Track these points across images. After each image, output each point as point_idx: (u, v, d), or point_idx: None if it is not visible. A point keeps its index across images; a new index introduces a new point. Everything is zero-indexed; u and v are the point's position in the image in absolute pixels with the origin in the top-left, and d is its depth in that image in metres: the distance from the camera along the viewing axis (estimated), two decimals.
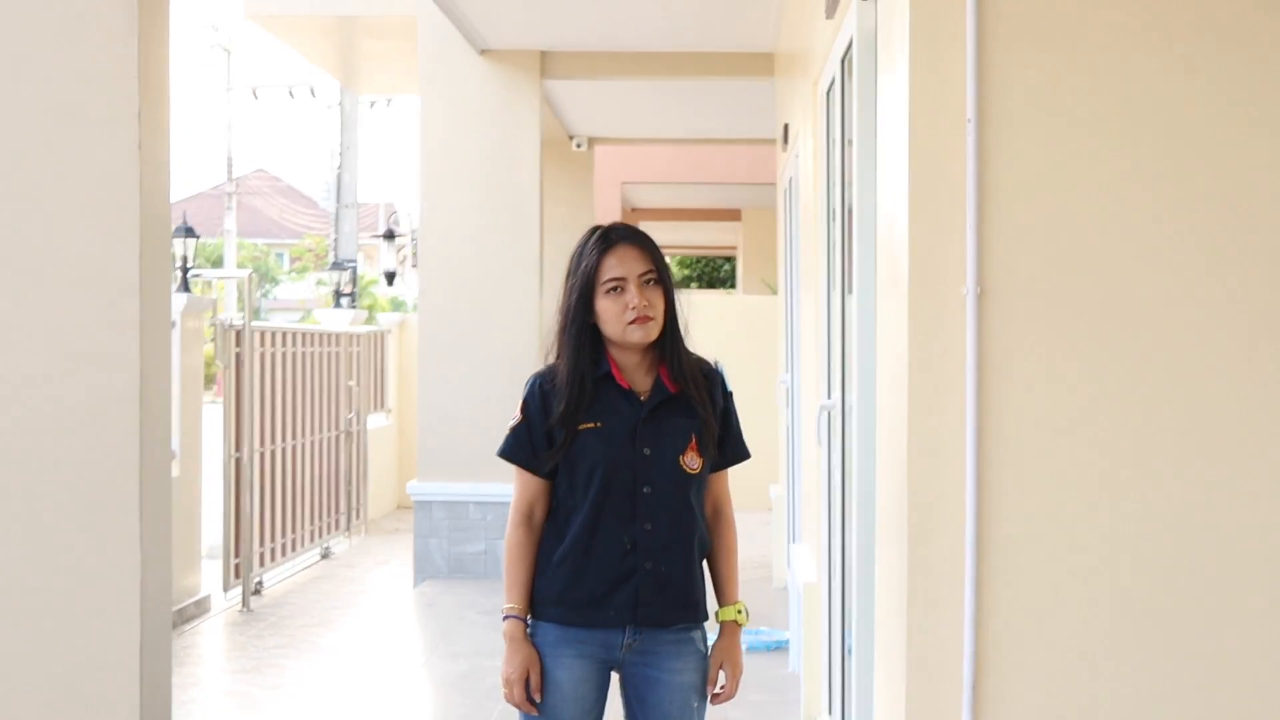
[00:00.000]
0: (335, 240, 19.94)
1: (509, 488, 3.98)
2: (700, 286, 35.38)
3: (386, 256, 18.14)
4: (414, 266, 12.45)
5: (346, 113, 20.51)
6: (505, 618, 3.87)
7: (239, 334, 11.25)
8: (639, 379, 3.89)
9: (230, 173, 42.65)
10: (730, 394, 4.01)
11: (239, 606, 10.93)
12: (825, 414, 6.18)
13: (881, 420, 4.27)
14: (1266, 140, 3.78)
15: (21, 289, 3.83)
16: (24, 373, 3.84)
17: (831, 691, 6.27)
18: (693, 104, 13.44)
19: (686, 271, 37.01)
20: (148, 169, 3.83)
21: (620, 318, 3.79)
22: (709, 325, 15.96)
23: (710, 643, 3.98)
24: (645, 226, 24.42)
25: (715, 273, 37.18)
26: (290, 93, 24.70)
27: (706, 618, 3.97)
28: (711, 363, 4.01)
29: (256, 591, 11.38)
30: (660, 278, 3.85)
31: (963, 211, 3.75)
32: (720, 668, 3.94)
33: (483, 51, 11.41)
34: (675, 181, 19.18)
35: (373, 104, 28.98)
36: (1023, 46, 3.78)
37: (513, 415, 3.92)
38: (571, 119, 14.38)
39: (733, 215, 22.82)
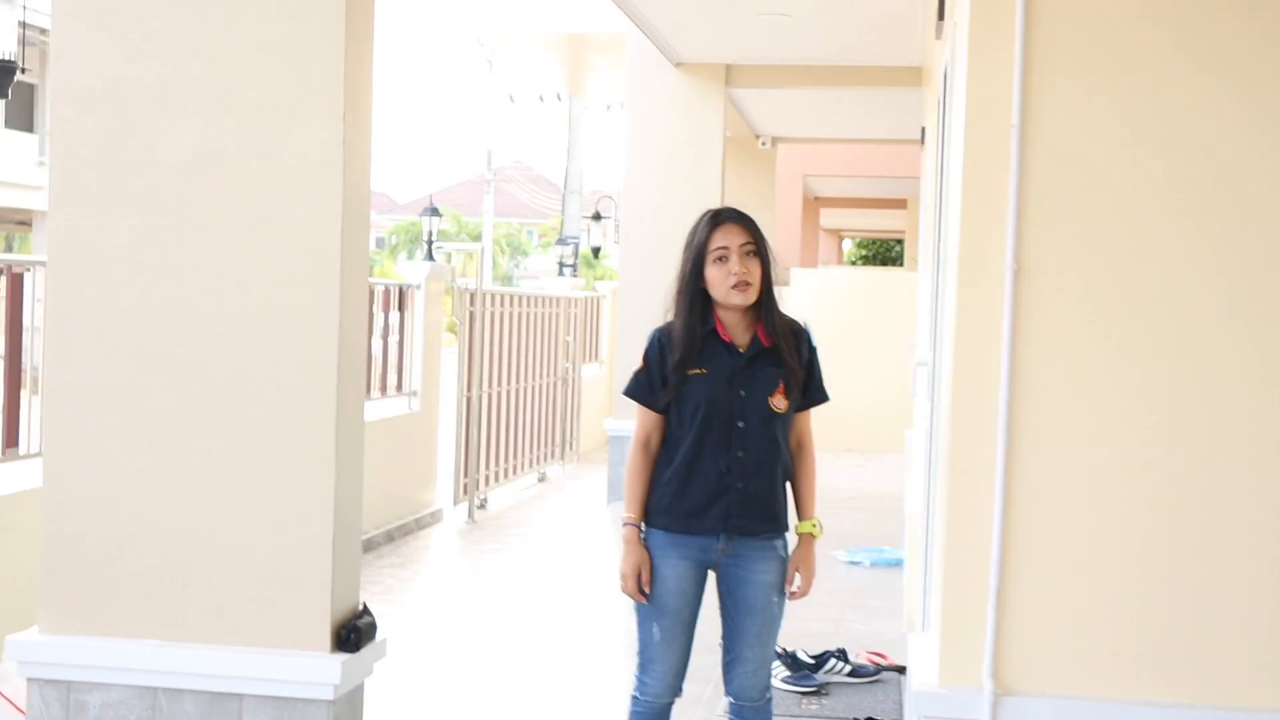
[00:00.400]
0: (562, 221, 20.38)
1: None
2: (873, 265, 35.12)
3: (595, 235, 18.49)
4: (616, 244, 12.70)
5: (574, 116, 20.93)
6: (624, 525, 4.09)
7: (472, 296, 11.61)
8: (739, 334, 4.04)
9: (489, 163, 43.50)
10: (815, 349, 4.16)
11: (466, 518, 11.33)
12: (923, 370, 6.26)
13: (942, 375, 4.38)
14: None
15: (248, 258, 4.09)
16: (245, 322, 4.08)
17: (924, 603, 6.36)
18: (860, 108, 13.44)
19: (862, 252, 36.77)
20: (350, 159, 4.06)
21: (724, 282, 3.96)
22: (877, 298, 16.03)
23: (790, 550, 4.14)
24: (824, 213, 24.36)
25: (888, 253, 36.90)
26: (540, 97, 25.22)
27: (787, 529, 4.13)
28: (801, 323, 4.17)
29: (481, 506, 11.80)
30: (758, 250, 4.01)
31: (1006, 202, 3.85)
32: (796, 570, 4.11)
33: (677, 64, 11.58)
34: (850, 175, 19.16)
35: (608, 107, 29.27)
36: (1063, 65, 3.85)
37: (637, 363, 4.12)
38: (757, 121, 14.49)
39: (900, 204, 22.72)
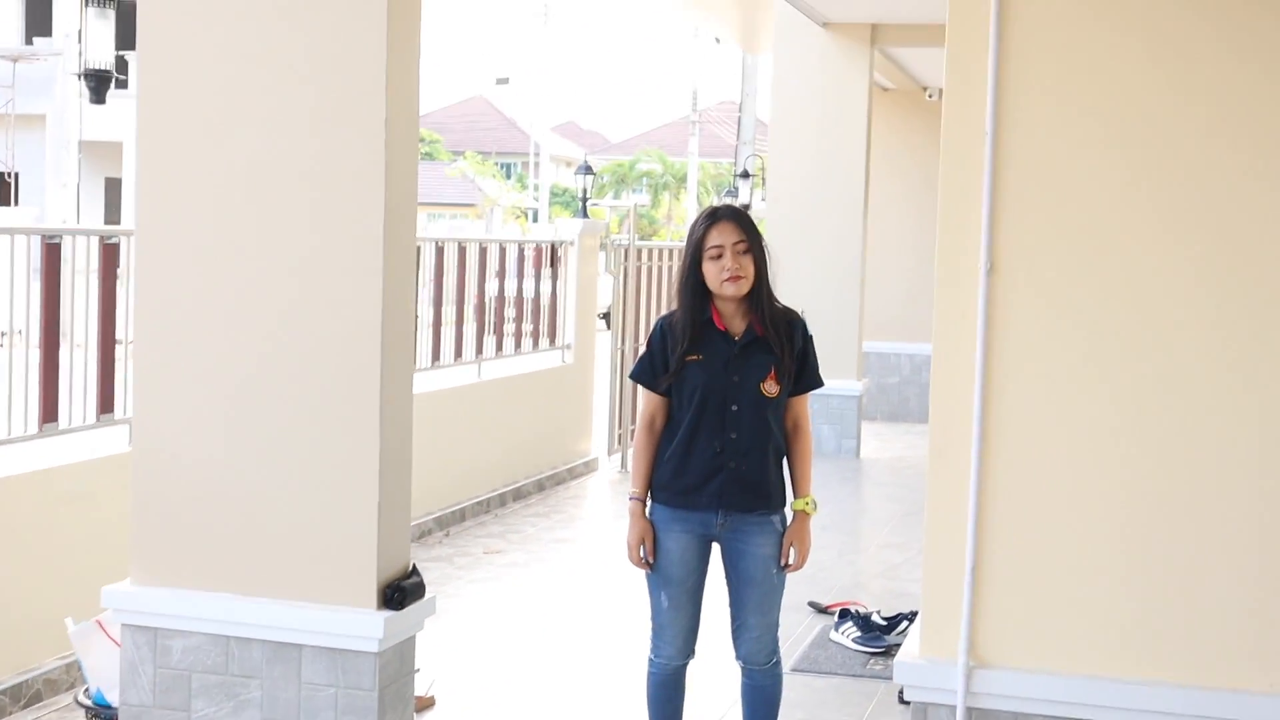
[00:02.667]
0: (733, 174, 20.72)
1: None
2: None
3: (743, 191, 18.64)
4: (763, 200, 12.86)
5: (748, 69, 21.12)
6: (630, 499, 4.46)
7: (625, 250, 11.99)
8: (735, 324, 4.36)
9: (695, 104, 43.80)
10: (810, 337, 4.46)
11: (619, 468, 11.74)
12: None
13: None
14: (1251, 148, 3.93)
15: (303, 249, 4.53)
16: (299, 304, 4.53)
17: None
18: None
19: None
20: (393, 162, 4.46)
21: (717, 276, 4.29)
22: None
23: (785, 520, 4.43)
24: None
25: None
26: (716, 39, 25.45)
27: (782, 506, 4.43)
28: (797, 313, 4.46)
29: None
30: (751, 247, 4.31)
31: (980, 204, 4.07)
32: (790, 545, 4.40)
33: (824, 24, 11.72)
34: None
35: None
36: (1035, 74, 4.04)
37: (643, 347, 4.51)
38: (920, 74, 14.47)
39: None
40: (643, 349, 4.51)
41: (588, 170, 12.88)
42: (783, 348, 4.34)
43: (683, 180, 45.49)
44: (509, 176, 55.66)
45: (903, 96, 14.97)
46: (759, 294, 4.35)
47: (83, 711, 5.05)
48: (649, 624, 4.53)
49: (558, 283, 11.40)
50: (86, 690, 4.99)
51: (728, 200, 18.44)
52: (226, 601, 4.60)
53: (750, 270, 4.31)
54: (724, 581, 4.46)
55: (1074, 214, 4.02)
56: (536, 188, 49.06)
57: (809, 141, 11.79)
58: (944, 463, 4.16)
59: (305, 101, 4.49)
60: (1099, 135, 4.01)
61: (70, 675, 5.56)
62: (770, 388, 4.33)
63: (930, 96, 15.23)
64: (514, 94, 62.16)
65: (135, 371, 4.75)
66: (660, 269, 12.85)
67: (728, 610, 4.48)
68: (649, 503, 4.46)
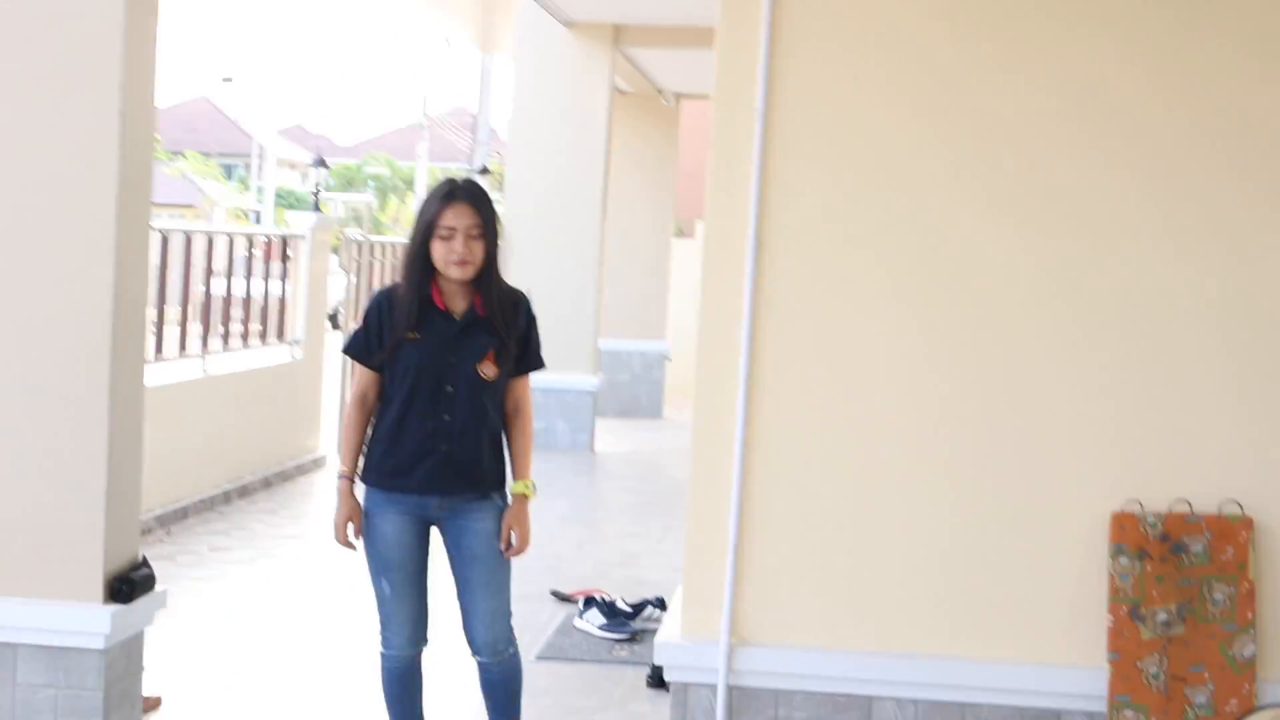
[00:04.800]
0: (469, 172, 20.52)
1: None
2: None
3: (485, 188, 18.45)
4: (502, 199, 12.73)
5: (485, 69, 20.95)
6: (338, 477, 4.24)
7: (359, 246, 11.67)
8: (456, 302, 4.14)
9: (424, 109, 43.28)
10: (534, 318, 4.28)
11: None
12: None
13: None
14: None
15: (27, 224, 4.16)
16: (23, 283, 4.16)
17: None
18: None
19: None
20: (129, 130, 4.13)
21: (445, 257, 4.06)
22: None
23: (506, 498, 4.23)
24: None
25: None
26: (447, 41, 25.22)
27: (502, 487, 4.23)
28: (522, 293, 4.27)
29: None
30: (484, 232, 4.09)
31: (749, 182, 4.00)
32: (510, 529, 4.19)
33: (567, 23, 11.63)
34: None
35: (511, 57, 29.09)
36: (806, 51, 3.98)
37: (358, 321, 4.23)
38: (659, 78, 14.51)
39: None
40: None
41: (321, 164, 12.44)
42: (506, 330, 4.16)
43: (410, 184, 44.94)
44: (230, 178, 54.01)
45: (640, 99, 15.02)
46: (485, 276, 4.14)
47: None
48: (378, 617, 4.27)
49: (287, 279, 11.01)
50: None
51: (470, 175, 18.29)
52: None
53: (480, 255, 4.10)
54: (449, 570, 4.24)
55: (840, 198, 4.00)
56: (260, 190, 47.70)
57: (550, 139, 11.68)
58: (707, 441, 4.08)
59: (36, 66, 4.12)
60: (874, 108, 3.99)
61: None
62: (488, 370, 4.13)
63: (666, 102, 15.34)
64: (238, 94, 60.35)
65: None
66: (395, 265, 12.54)
67: (456, 602, 4.25)
68: (360, 483, 4.21)
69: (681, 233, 17.75)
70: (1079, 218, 3.94)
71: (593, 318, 11.71)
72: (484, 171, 19.29)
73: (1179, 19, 3.91)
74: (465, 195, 4.11)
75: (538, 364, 4.29)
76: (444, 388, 4.10)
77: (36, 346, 4.15)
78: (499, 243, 4.16)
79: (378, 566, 4.18)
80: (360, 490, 4.21)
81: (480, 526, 4.16)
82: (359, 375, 4.23)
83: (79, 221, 4.11)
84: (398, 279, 4.20)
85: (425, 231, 4.09)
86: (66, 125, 4.11)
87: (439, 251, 4.07)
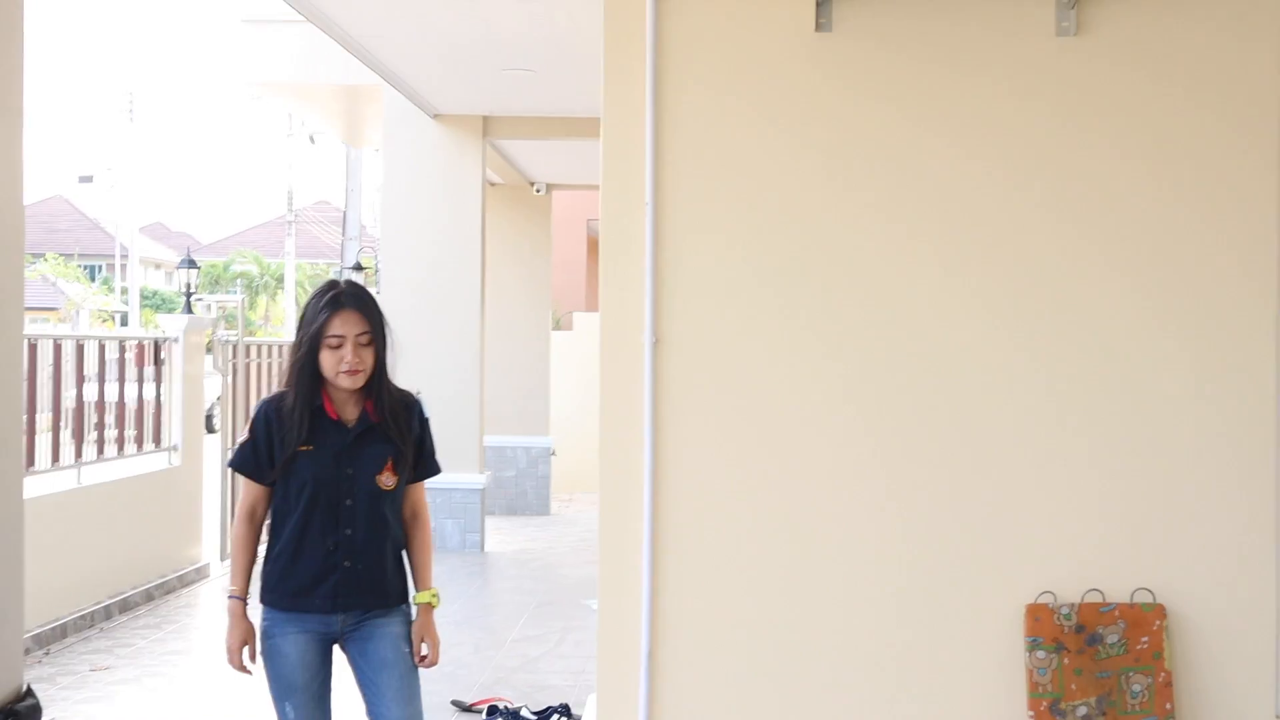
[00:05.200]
0: (341, 268, 20.36)
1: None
2: None
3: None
4: (378, 293, 12.56)
5: (351, 161, 20.83)
6: (229, 597, 4.05)
7: (234, 347, 11.45)
8: (348, 410, 4.02)
9: (290, 204, 42.99)
10: (426, 420, 4.16)
11: None
12: None
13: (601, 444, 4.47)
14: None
15: None
16: None
17: None
18: None
19: None
20: (1, 229, 3.97)
21: (335, 367, 3.94)
22: None
23: (410, 614, 4.10)
24: None
25: None
26: (311, 139, 25.15)
27: (405, 599, 4.10)
28: (413, 394, 4.17)
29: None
30: (373, 338, 3.99)
31: (644, 277, 3.98)
32: (421, 640, 4.07)
33: (435, 116, 11.62)
34: None
35: (377, 151, 29.11)
36: (689, 158, 3.99)
37: (244, 433, 4.07)
38: (528, 168, 14.55)
39: None
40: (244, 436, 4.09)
41: (191, 264, 12.23)
42: (402, 436, 4.03)
43: (280, 280, 44.47)
44: (93, 279, 52.99)
45: (512, 190, 15.03)
46: (377, 381, 4.03)
47: None
48: None
49: (161, 383, 10.76)
50: None
51: (350, 275, 18.07)
52: None
53: (370, 362, 3.98)
54: (354, 684, 4.07)
55: (731, 283, 3.99)
56: (125, 290, 46.83)
57: (423, 232, 11.61)
58: (615, 539, 4.01)
59: None
60: (752, 198, 4.00)
61: None
62: (387, 480, 4.00)
63: (538, 191, 15.36)
64: (96, 193, 59.34)
65: None
66: (271, 365, 12.35)
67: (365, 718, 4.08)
68: (255, 603, 4.04)
69: (560, 324, 17.74)
70: (1002, 274, 3.98)
71: (477, 414, 11.59)
72: (358, 268, 19.11)
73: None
74: (351, 302, 4.00)
75: (434, 469, 4.18)
76: (343, 501, 3.95)
77: None
78: (388, 347, 4.05)
79: (280, 690, 4.00)
80: (255, 610, 4.05)
81: (386, 630, 4.02)
82: (246, 490, 4.08)
83: None
84: (282, 388, 4.06)
85: (313, 341, 3.95)
86: None
87: (328, 361, 3.94)
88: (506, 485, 14.45)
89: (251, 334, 39.62)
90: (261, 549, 4.12)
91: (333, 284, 4.07)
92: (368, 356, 3.96)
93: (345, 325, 3.93)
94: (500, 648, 8.43)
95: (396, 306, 11.54)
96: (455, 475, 10.45)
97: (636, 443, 3.99)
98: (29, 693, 4.16)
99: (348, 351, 3.92)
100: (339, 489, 3.94)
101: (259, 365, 12.04)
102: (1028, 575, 3.95)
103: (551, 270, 15.73)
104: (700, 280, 3.99)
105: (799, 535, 3.98)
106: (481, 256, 11.73)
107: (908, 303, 3.98)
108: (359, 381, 3.96)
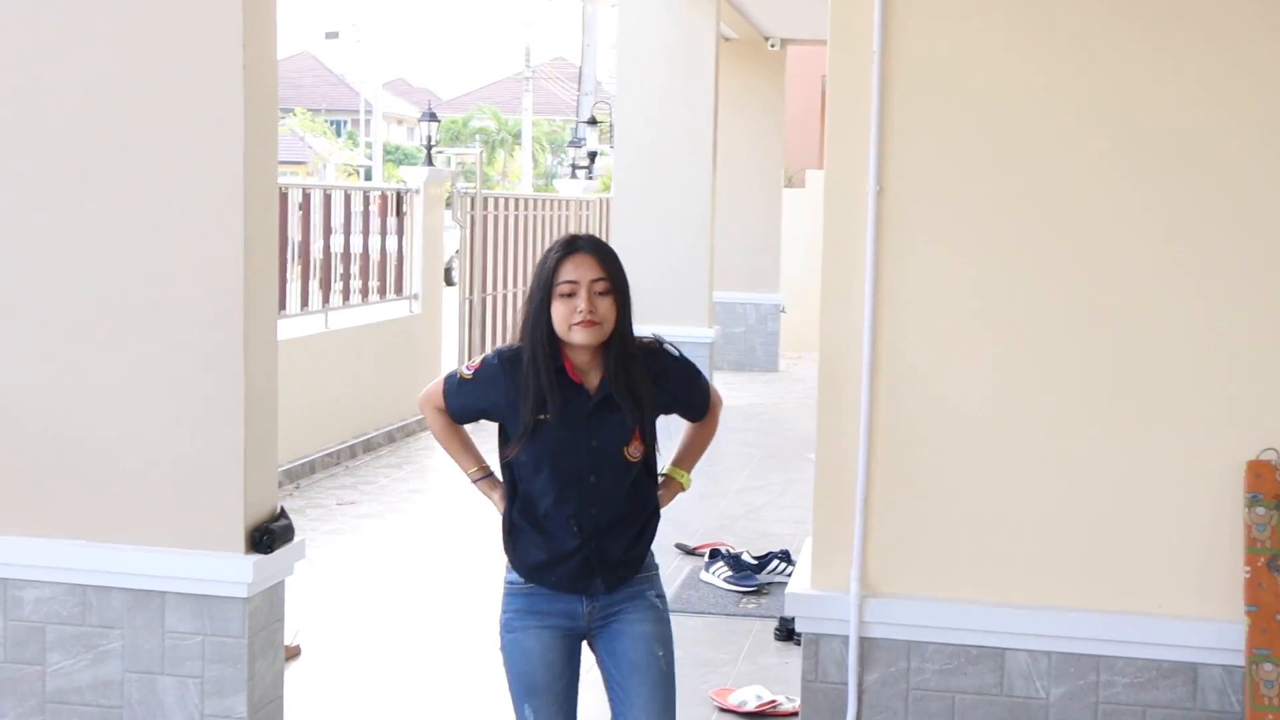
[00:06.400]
0: (576, 123, 20.49)
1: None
2: None
3: (591, 139, 18.43)
4: (611, 148, 12.71)
5: (587, 17, 20.92)
6: (473, 481, 3.76)
7: (473, 199, 11.77)
8: (591, 376, 3.54)
9: (528, 60, 43.42)
10: (681, 359, 3.70)
11: None
12: None
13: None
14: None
15: (157, 181, 4.24)
16: (153, 236, 4.24)
17: None
18: None
19: None
20: (252, 84, 4.20)
21: (567, 320, 3.45)
22: None
23: (663, 592, 3.73)
24: None
25: None
26: None
27: (654, 570, 3.71)
28: (656, 341, 3.68)
29: None
30: (613, 288, 3.50)
31: (869, 125, 3.99)
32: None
33: None
34: None
35: (613, 5, 29.04)
36: (919, 7, 3.96)
37: (468, 365, 3.66)
38: (763, 23, 14.42)
39: None
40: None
41: (432, 118, 12.52)
42: (650, 405, 3.56)
43: (517, 137, 45.08)
44: (339, 134, 54.57)
45: (746, 46, 14.93)
46: (615, 344, 3.52)
47: None
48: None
49: (403, 235, 11.15)
50: None
51: (570, 150, 18.28)
52: (82, 549, 4.32)
53: (611, 316, 3.48)
54: (602, 687, 3.65)
55: (965, 135, 3.97)
56: (369, 145, 48.14)
57: (656, 89, 11.66)
58: (834, 392, 4.08)
59: (158, 23, 4.20)
60: (992, 53, 3.95)
61: None
62: (634, 451, 3.55)
63: (773, 46, 15.23)
64: (342, 49, 60.81)
65: None
66: (508, 219, 12.66)
67: None
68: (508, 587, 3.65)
69: (791, 182, 17.65)
70: (1199, 172, 3.86)
71: (706, 270, 11.70)
72: (592, 122, 19.23)
73: None
74: (587, 246, 3.53)
75: (704, 405, 3.78)
76: (587, 477, 3.51)
77: (169, 302, 4.24)
78: (630, 309, 3.56)
79: (522, 691, 3.59)
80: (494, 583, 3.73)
81: (637, 630, 3.60)
82: (438, 406, 3.69)
83: (209, 179, 4.20)
84: (514, 343, 3.60)
85: (545, 290, 3.50)
86: (191, 82, 4.18)
87: (560, 313, 3.46)
88: (735, 341, 14.60)
89: (489, 188, 40.46)
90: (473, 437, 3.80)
91: (569, 235, 3.62)
92: (605, 308, 3.47)
93: (579, 270, 3.47)
94: (725, 496, 8.65)
95: (629, 161, 11.69)
96: (683, 328, 10.60)
97: (857, 292, 4.03)
98: (283, 513, 4.48)
99: (581, 299, 3.44)
100: (582, 464, 3.51)
101: (496, 218, 12.35)
102: (1251, 432, 3.89)
103: (785, 127, 15.66)
104: (925, 132, 3.97)
105: (1015, 390, 3.98)
106: (714, 112, 11.74)
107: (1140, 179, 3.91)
108: (595, 336, 3.46)
